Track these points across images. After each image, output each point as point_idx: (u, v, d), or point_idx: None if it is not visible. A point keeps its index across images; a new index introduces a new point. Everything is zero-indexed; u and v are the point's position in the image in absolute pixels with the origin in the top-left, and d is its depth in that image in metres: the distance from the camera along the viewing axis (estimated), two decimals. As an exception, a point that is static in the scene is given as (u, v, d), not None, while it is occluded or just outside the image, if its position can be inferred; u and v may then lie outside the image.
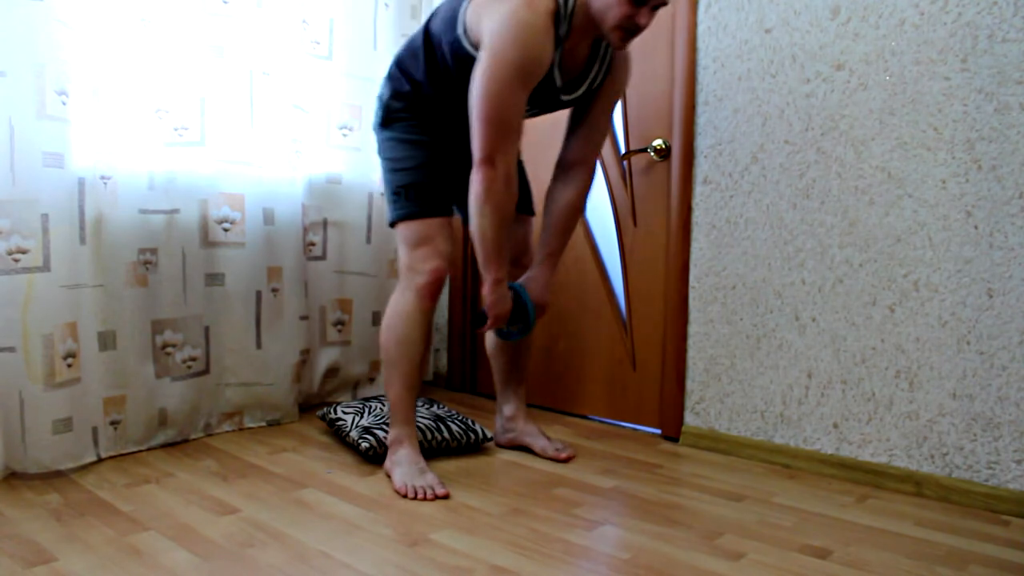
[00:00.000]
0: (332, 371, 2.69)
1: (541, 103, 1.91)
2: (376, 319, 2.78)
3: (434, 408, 2.31)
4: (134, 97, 2.11)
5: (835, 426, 2.06)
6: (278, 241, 2.42)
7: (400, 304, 1.96)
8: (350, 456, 2.15)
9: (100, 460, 2.05)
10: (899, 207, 1.94)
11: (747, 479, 2.02)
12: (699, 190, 2.27)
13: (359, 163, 2.68)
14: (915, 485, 1.93)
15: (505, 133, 1.74)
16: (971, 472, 1.86)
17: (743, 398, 2.22)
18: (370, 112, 2.68)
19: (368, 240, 2.73)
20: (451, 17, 1.83)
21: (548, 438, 2.18)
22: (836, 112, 2.01)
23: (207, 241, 2.28)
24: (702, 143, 2.26)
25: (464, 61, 1.80)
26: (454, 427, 2.18)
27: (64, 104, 1.92)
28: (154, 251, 2.16)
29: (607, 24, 1.73)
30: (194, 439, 2.27)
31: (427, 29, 1.91)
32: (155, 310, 2.17)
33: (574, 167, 2.04)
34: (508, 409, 2.22)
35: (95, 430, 2.04)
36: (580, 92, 1.93)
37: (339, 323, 2.70)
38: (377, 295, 2.77)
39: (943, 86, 1.86)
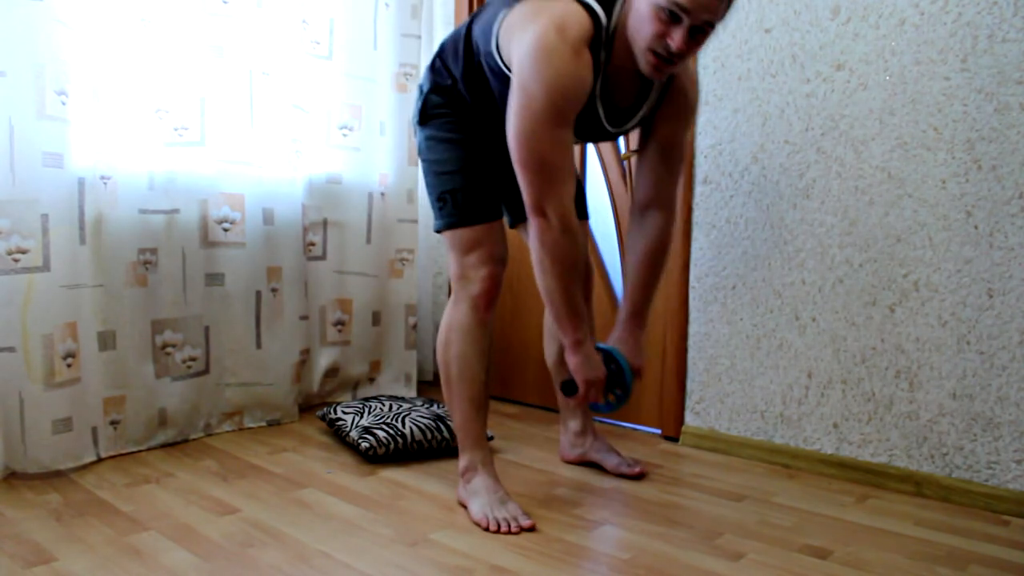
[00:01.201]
0: (332, 371, 2.70)
1: (586, 135, 1.74)
2: (376, 319, 2.78)
3: (434, 408, 2.31)
4: (134, 97, 2.11)
5: (835, 426, 2.06)
6: (278, 241, 2.42)
7: (455, 318, 1.78)
8: (350, 456, 2.15)
9: (100, 460, 2.05)
10: (899, 207, 1.94)
11: (747, 479, 2.02)
12: (699, 190, 2.27)
13: (359, 163, 2.68)
14: (915, 485, 1.93)
15: (550, 177, 1.54)
16: (971, 472, 1.86)
17: (743, 398, 2.22)
18: (370, 112, 2.69)
19: (368, 240, 2.73)
20: (489, 27, 1.66)
21: (619, 454, 2.06)
22: (836, 112, 2.01)
23: (207, 241, 2.28)
24: (702, 143, 2.26)
25: (500, 77, 1.64)
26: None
27: (64, 104, 1.92)
28: (154, 251, 2.16)
29: (639, 46, 1.51)
30: (194, 439, 2.28)
31: (470, 26, 1.74)
32: (155, 310, 2.17)
33: (648, 209, 1.80)
34: (575, 424, 2.10)
35: (95, 430, 2.04)
36: (631, 124, 1.74)
37: (339, 323, 2.70)
38: (377, 295, 2.77)
39: (943, 86, 1.86)
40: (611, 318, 2.54)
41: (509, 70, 1.58)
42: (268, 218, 2.39)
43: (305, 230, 2.51)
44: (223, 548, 1.54)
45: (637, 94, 1.68)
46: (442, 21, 2.96)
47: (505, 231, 1.82)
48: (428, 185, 1.81)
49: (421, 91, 1.83)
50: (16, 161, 1.84)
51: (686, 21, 1.43)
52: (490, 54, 1.64)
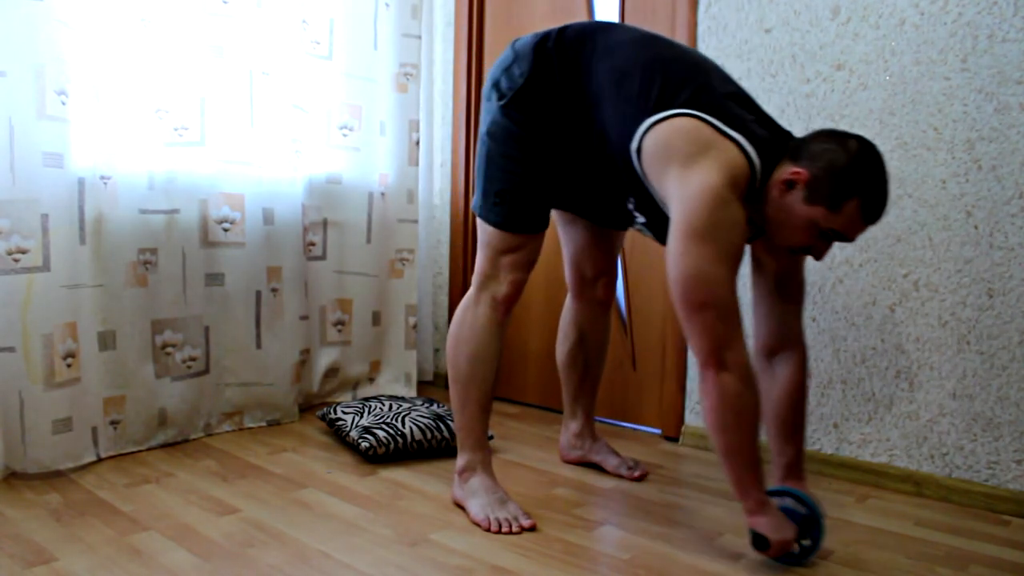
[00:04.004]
0: (332, 371, 2.69)
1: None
2: (376, 319, 2.78)
3: (434, 407, 2.31)
4: (134, 97, 2.11)
5: (835, 426, 2.06)
6: (278, 241, 2.42)
7: (474, 316, 1.72)
8: (350, 456, 2.15)
9: (100, 460, 2.05)
10: (899, 207, 1.94)
11: (747, 479, 2.02)
12: (699, 190, 2.27)
13: (359, 163, 2.68)
14: (915, 485, 1.93)
15: (729, 322, 1.41)
16: (971, 472, 1.86)
17: (743, 398, 2.22)
18: (370, 112, 2.69)
19: (368, 240, 2.73)
20: (627, 117, 1.52)
21: (619, 456, 2.05)
22: (836, 112, 2.01)
23: (207, 241, 2.28)
24: (702, 143, 2.25)
25: (625, 163, 1.55)
26: (454, 426, 2.18)
27: (64, 104, 1.92)
28: (154, 251, 2.16)
29: (777, 236, 1.48)
30: (194, 439, 2.27)
31: (587, 52, 1.60)
32: (155, 310, 2.17)
33: (777, 354, 1.65)
34: (575, 426, 2.09)
35: (95, 430, 2.04)
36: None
37: (339, 323, 2.70)
38: (377, 295, 2.77)
39: (943, 86, 1.86)
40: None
41: (648, 179, 1.51)
42: (268, 218, 2.39)
43: (305, 230, 2.51)
44: (223, 548, 1.54)
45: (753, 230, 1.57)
46: (442, 21, 2.96)
47: (543, 242, 1.76)
48: (486, 168, 1.70)
49: (515, 76, 1.65)
50: (16, 161, 1.84)
51: (838, 239, 1.43)
52: (626, 149, 1.53)
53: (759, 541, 1.45)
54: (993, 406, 1.83)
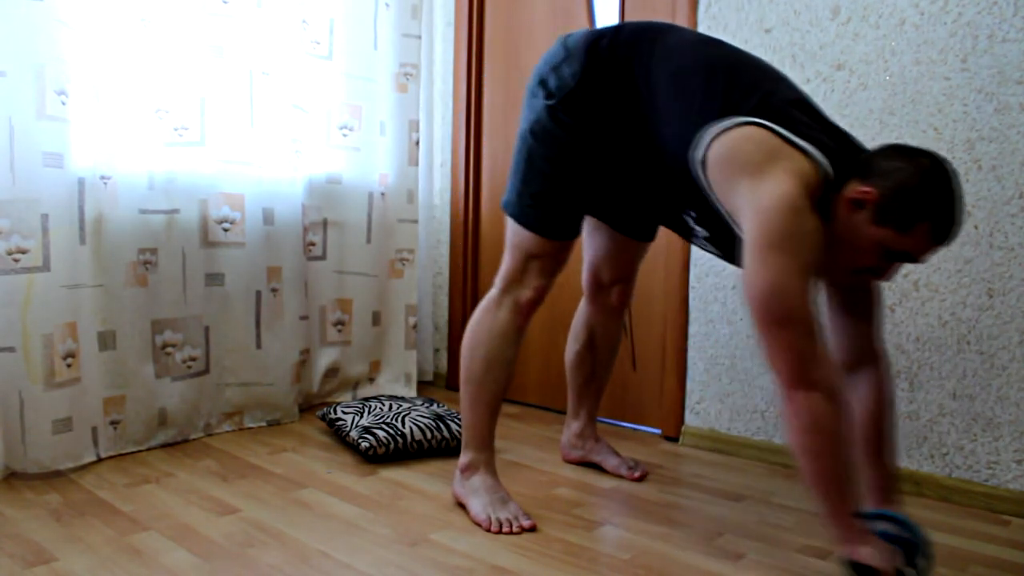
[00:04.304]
0: (332, 371, 2.70)
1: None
2: (376, 319, 2.78)
3: (434, 407, 2.31)
4: (134, 97, 2.11)
5: (835, 426, 2.06)
6: (278, 241, 2.42)
7: (493, 319, 1.70)
8: (350, 456, 2.15)
9: (100, 460, 2.05)
10: (899, 207, 1.93)
11: (747, 479, 2.02)
12: (699, 190, 2.27)
13: (359, 163, 2.68)
14: (915, 485, 1.93)
15: (813, 338, 1.31)
16: (971, 472, 1.86)
17: (743, 398, 2.22)
18: (370, 112, 2.69)
19: (368, 240, 2.73)
20: (693, 125, 1.44)
21: (619, 456, 2.05)
22: (836, 112, 2.01)
23: (207, 241, 2.28)
24: (702, 143, 2.26)
25: (689, 177, 1.48)
26: (454, 426, 2.18)
27: (64, 104, 1.92)
28: (154, 251, 2.16)
29: (841, 257, 1.39)
30: (194, 439, 2.27)
31: (649, 54, 1.53)
32: (155, 310, 2.17)
33: (854, 370, 1.53)
34: (577, 426, 2.09)
35: (95, 430, 2.04)
36: None
37: (339, 323, 2.70)
38: (377, 295, 2.77)
39: (943, 86, 1.86)
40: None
41: (711, 189, 1.44)
42: (268, 218, 2.39)
43: (305, 230, 2.51)
44: (223, 548, 1.54)
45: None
46: (442, 21, 2.96)
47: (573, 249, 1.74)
48: (524, 168, 1.66)
49: (565, 76, 1.59)
50: (16, 161, 1.84)
51: (906, 261, 1.36)
52: (689, 160, 1.46)
53: (863, 572, 1.31)
54: (993, 406, 1.83)
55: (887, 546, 1.34)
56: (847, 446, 1.33)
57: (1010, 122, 1.78)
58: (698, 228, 1.59)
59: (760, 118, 1.39)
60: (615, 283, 1.99)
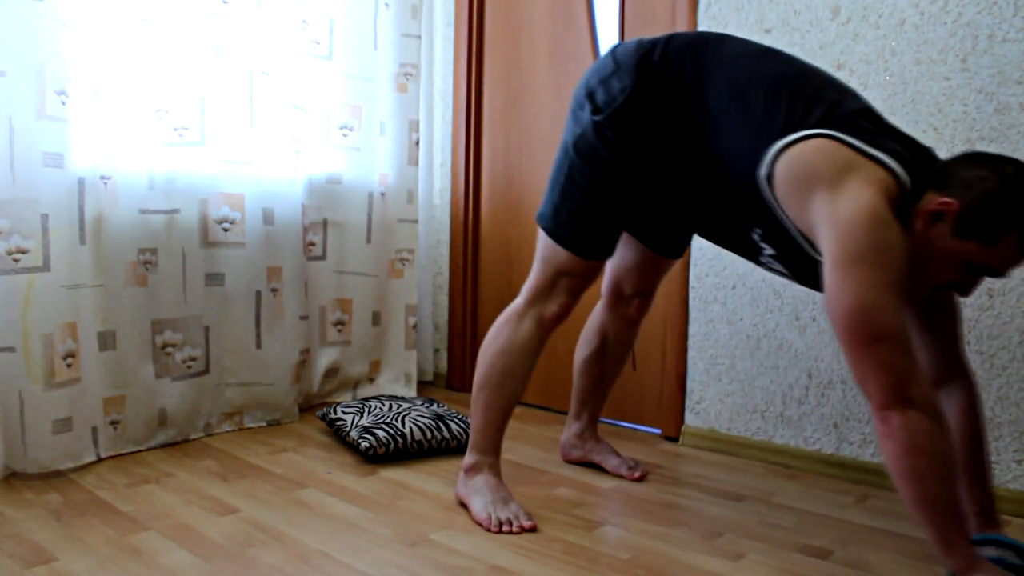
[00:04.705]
0: (332, 371, 2.70)
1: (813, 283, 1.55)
2: (376, 319, 2.78)
3: (434, 407, 2.31)
4: (134, 97, 2.11)
5: (835, 426, 2.06)
6: (278, 241, 2.42)
7: (515, 331, 1.70)
8: (350, 456, 2.15)
9: (100, 460, 2.05)
10: (899, 207, 1.94)
11: (747, 479, 2.02)
12: (699, 190, 2.27)
13: (359, 163, 2.68)
14: (915, 485, 1.93)
15: (903, 350, 1.24)
16: (971, 472, 1.86)
17: (743, 398, 2.22)
18: (370, 112, 2.69)
19: (368, 240, 2.73)
20: (753, 139, 1.40)
21: (619, 456, 2.04)
22: (836, 112, 2.01)
23: (207, 241, 2.28)
24: (702, 143, 2.26)
25: (754, 194, 1.42)
26: (454, 426, 2.18)
27: (64, 104, 1.92)
28: (154, 251, 2.16)
29: (919, 273, 1.33)
30: (194, 439, 2.27)
31: (703, 67, 1.48)
32: (155, 310, 2.17)
33: (941, 385, 1.48)
34: (577, 427, 2.09)
35: (95, 430, 2.04)
36: None
37: (339, 323, 2.70)
38: (377, 295, 2.77)
39: (943, 86, 1.86)
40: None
41: (780, 207, 1.39)
42: (268, 218, 2.39)
43: (305, 230, 2.52)
44: (223, 548, 1.54)
45: None
46: (442, 21, 2.96)
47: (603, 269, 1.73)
48: (564, 183, 1.62)
49: (620, 79, 1.53)
50: (16, 161, 1.84)
51: (988, 276, 1.31)
52: (755, 178, 1.40)
53: None
54: (993, 406, 1.83)
55: (1005, 574, 1.26)
56: (953, 466, 1.25)
57: (1010, 122, 1.78)
58: (765, 246, 1.53)
59: (828, 129, 1.33)
60: (636, 296, 1.96)
